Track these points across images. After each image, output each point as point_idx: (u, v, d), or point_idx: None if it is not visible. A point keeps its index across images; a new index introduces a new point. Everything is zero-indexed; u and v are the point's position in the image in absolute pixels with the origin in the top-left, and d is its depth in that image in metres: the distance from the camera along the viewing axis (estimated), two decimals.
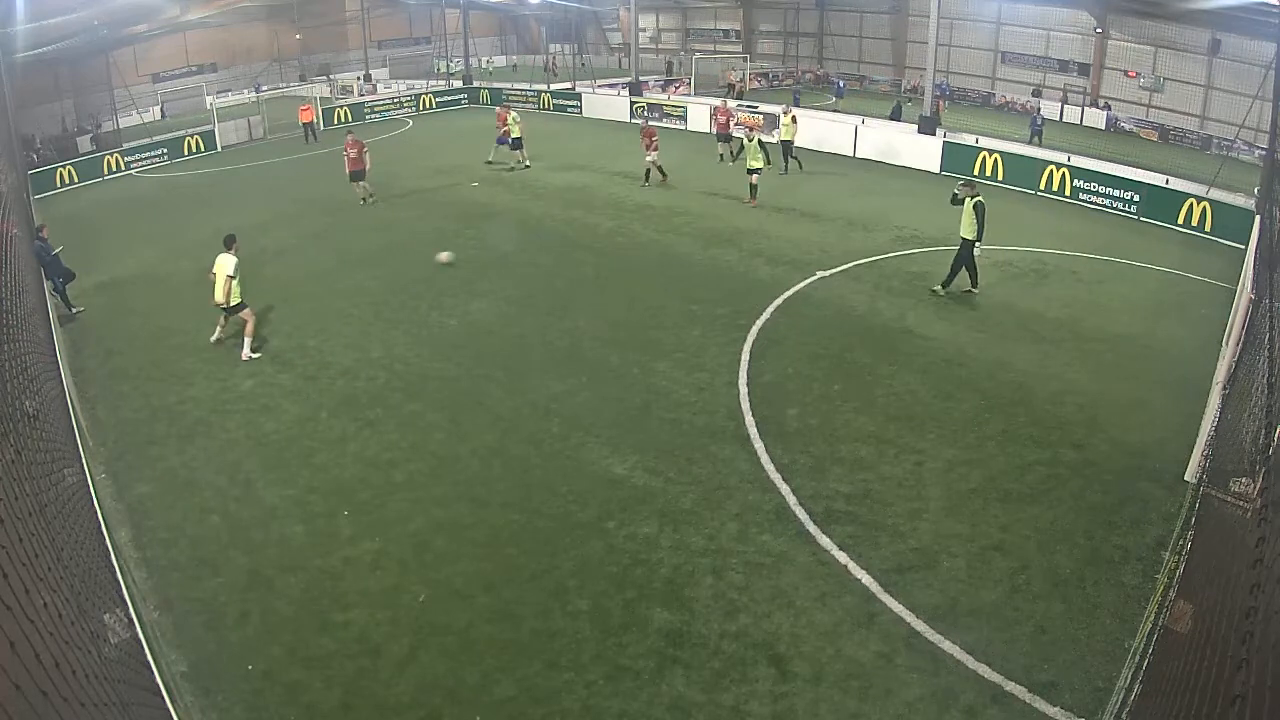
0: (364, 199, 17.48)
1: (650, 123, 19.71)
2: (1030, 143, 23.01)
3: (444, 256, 12.81)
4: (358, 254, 14.34)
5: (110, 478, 7.71)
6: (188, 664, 5.46)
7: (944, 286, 11.70)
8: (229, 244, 10.23)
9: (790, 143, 19.78)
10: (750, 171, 16.66)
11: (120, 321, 11.83)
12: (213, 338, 10.69)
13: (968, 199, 11.38)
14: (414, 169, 21.35)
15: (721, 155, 21.21)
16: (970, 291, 11.74)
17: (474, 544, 6.62)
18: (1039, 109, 30.03)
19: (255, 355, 10.24)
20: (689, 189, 18.33)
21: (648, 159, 18.65)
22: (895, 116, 25.70)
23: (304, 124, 27.32)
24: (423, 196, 18.50)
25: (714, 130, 21.55)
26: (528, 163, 20.85)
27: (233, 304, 10.19)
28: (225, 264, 10.11)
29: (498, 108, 23.84)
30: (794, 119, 20.22)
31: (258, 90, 37.90)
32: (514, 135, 20.51)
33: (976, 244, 11.41)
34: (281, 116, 29.35)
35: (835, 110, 29.33)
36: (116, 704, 2.77)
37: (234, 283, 10.05)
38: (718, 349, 10.03)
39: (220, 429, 8.59)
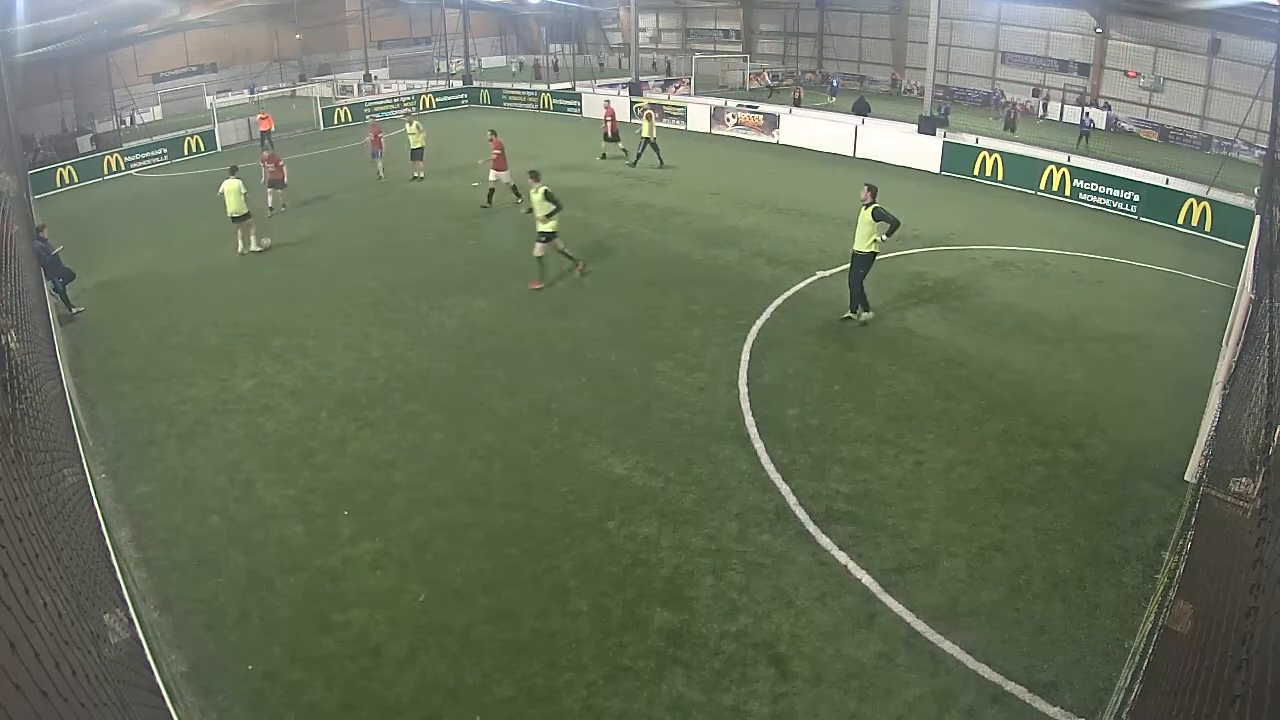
0: (273, 208, 17.25)
1: (497, 134, 17.04)
2: (1078, 148, 22.16)
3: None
4: (358, 254, 14.35)
5: (110, 478, 7.71)
6: (188, 664, 5.46)
7: (865, 312, 10.54)
8: (234, 171, 14.49)
9: (649, 140, 20.62)
10: (542, 237, 11.92)
11: (120, 321, 11.84)
12: (239, 251, 14.46)
13: (865, 207, 10.02)
14: (413, 168, 21.33)
15: (604, 154, 21.99)
16: (849, 318, 10.60)
17: (474, 544, 6.62)
18: (1088, 112, 29.19)
19: (264, 244, 14.65)
20: (688, 189, 18.33)
21: (493, 177, 16.63)
22: (861, 111, 25.62)
23: (262, 132, 26.49)
24: (423, 196, 18.49)
25: (604, 130, 22.27)
26: (421, 174, 19.96)
27: (244, 213, 14.24)
28: (236, 185, 14.18)
29: (369, 124, 22.44)
30: (649, 117, 21.16)
31: (251, 91, 37.92)
32: (415, 145, 19.81)
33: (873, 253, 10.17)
34: (281, 116, 29.34)
35: (831, 109, 29.34)
36: (116, 704, 2.77)
37: (244, 196, 14.14)
38: (718, 349, 10.03)
39: (220, 429, 8.59)
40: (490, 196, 16.93)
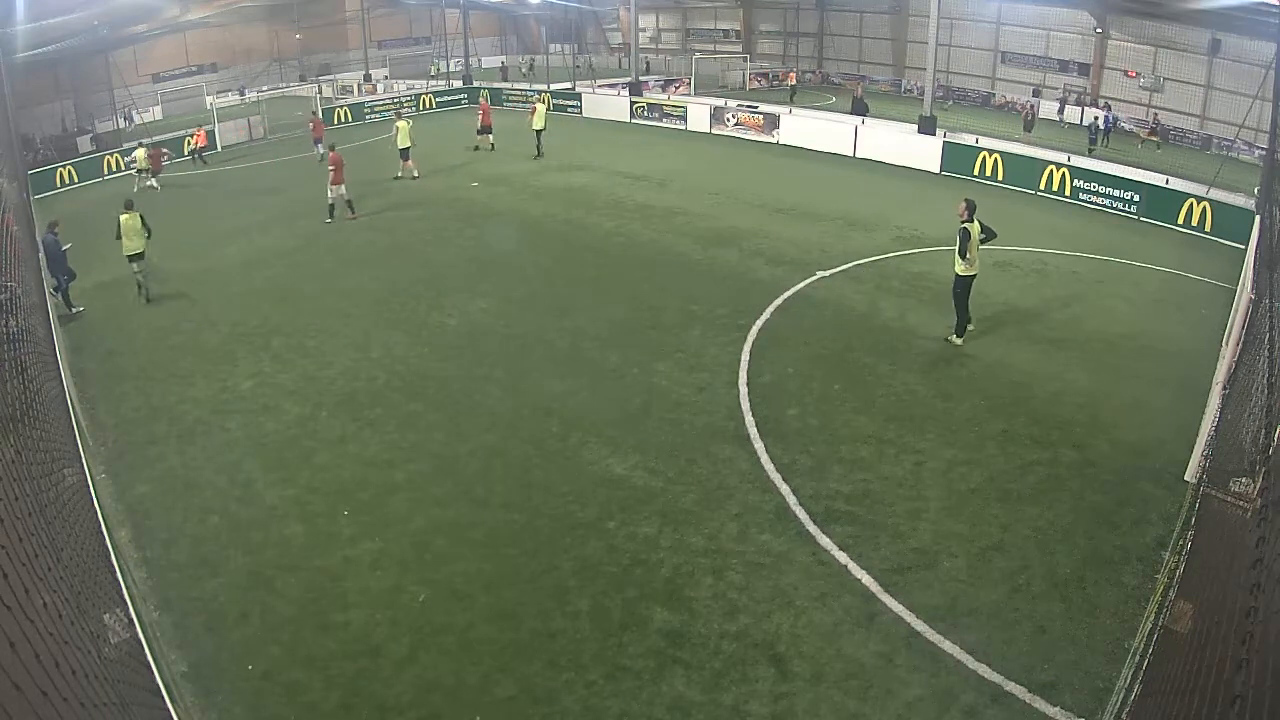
0: (154, 186, 20.96)
1: (336, 148, 17.12)
2: (1100, 149, 21.39)
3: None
4: (358, 254, 14.35)
5: (110, 478, 7.71)
6: (188, 664, 5.47)
7: (956, 336, 10.10)
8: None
9: (541, 131, 22.32)
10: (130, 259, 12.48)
11: (120, 321, 11.84)
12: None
13: (966, 224, 9.57)
14: (402, 168, 21.33)
15: (478, 146, 23.57)
16: (952, 341, 10.13)
17: (474, 544, 6.62)
18: (1110, 114, 28.35)
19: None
20: (688, 189, 18.33)
21: (333, 192, 16.37)
22: (859, 111, 25.52)
23: (195, 147, 25.21)
24: (423, 196, 18.49)
25: (479, 123, 23.72)
26: (416, 174, 20.08)
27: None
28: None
29: (311, 117, 25.17)
30: (534, 110, 22.70)
31: (242, 93, 37.88)
32: (403, 145, 19.78)
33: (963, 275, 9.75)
34: (281, 116, 29.35)
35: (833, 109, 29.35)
36: (116, 704, 2.77)
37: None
38: (718, 349, 10.03)
39: (220, 429, 8.59)
40: (331, 211, 16.52)
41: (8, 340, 3.83)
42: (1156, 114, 29.55)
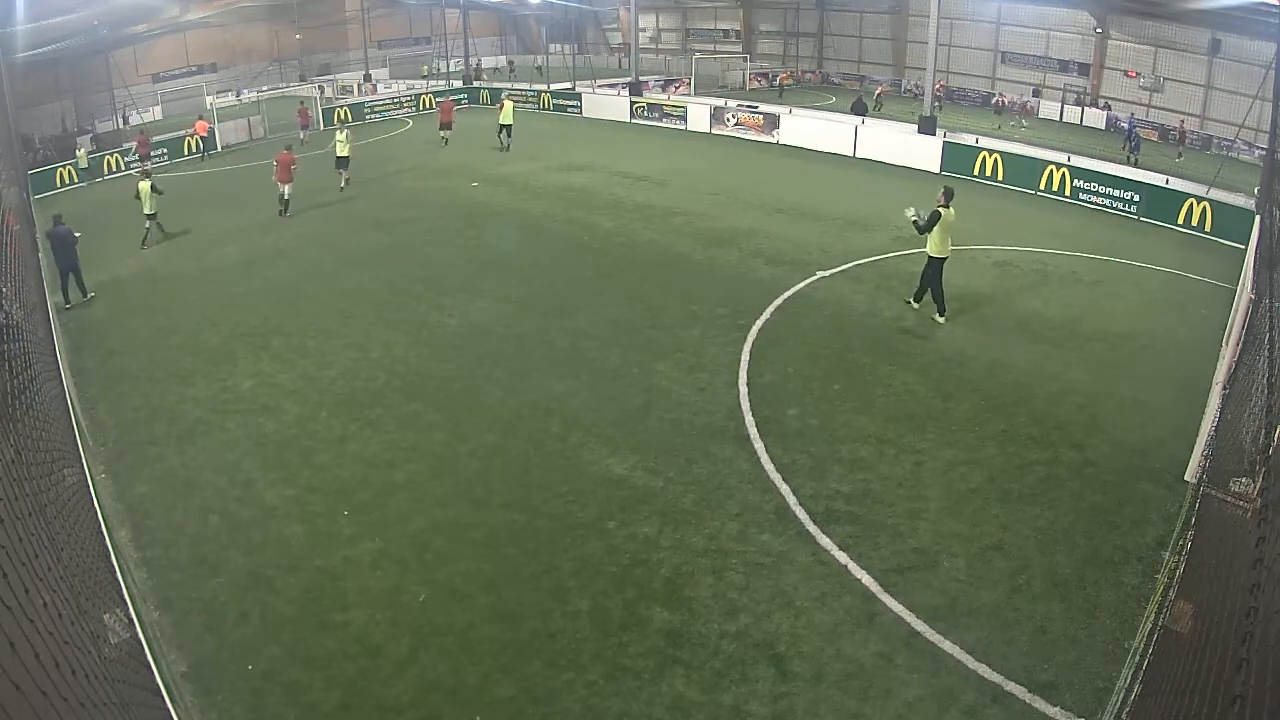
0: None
1: (286, 148, 17.85)
2: (1127, 162, 20.09)
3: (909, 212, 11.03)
4: (358, 254, 14.35)
5: (110, 478, 7.71)
6: (188, 664, 5.46)
7: (941, 314, 10.70)
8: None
9: (509, 125, 23.29)
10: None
11: (120, 321, 11.84)
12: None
13: (943, 208, 10.36)
14: (414, 169, 21.35)
15: (444, 140, 24.51)
16: (940, 319, 10.68)
17: (474, 544, 6.62)
18: (1131, 123, 25.99)
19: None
20: (688, 189, 18.33)
21: (284, 190, 16.97)
22: (858, 111, 25.54)
23: (200, 138, 25.82)
24: (423, 196, 18.49)
25: (439, 120, 24.96)
26: (344, 185, 19.31)
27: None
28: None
29: (300, 107, 27.71)
30: (502, 107, 23.82)
31: (238, 95, 37.91)
32: (341, 154, 19.22)
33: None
34: (281, 116, 29.35)
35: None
36: (116, 704, 2.77)
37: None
38: (718, 349, 10.03)
39: (220, 429, 8.58)
40: (286, 207, 17.11)
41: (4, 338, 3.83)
42: (1183, 120, 29.06)
